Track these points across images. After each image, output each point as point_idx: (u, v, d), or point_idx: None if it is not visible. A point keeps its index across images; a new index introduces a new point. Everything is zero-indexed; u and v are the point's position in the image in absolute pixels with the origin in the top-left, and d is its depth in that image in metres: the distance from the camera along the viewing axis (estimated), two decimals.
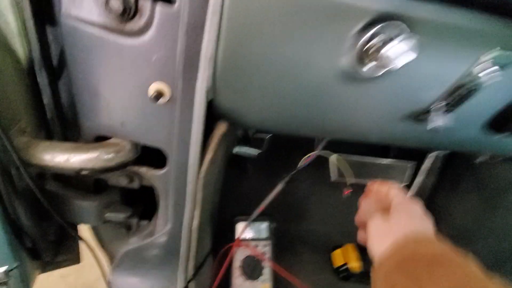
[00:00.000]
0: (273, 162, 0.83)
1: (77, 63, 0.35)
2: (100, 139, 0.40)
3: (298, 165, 0.52)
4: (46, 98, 0.38)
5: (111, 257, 0.54)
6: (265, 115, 0.37)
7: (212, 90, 0.34)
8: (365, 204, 0.42)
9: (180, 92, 0.34)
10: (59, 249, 0.54)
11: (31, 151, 0.34)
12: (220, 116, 0.39)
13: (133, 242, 0.52)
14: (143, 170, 0.43)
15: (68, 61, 0.36)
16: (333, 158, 0.74)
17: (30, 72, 0.37)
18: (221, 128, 0.38)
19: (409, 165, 0.78)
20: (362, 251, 0.72)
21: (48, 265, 0.53)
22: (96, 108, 0.37)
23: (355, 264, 0.70)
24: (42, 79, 0.37)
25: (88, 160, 0.36)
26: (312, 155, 0.54)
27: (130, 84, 0.35)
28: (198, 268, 0.54)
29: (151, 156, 0.42)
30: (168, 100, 0.35)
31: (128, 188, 0.46)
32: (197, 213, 0.45)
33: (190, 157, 0.38)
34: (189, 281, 0.52)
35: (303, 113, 0.37)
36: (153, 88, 0.34)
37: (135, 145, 0.40)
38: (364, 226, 0.38)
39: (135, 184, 0.45)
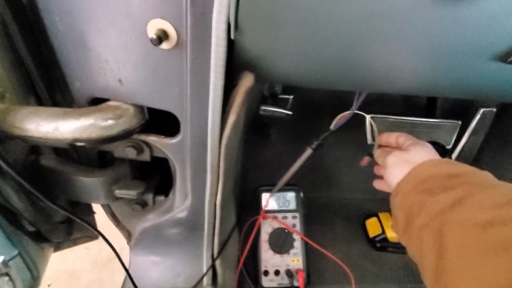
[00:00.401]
0: (297, 126, 0.74)
1: (52, 2, 0.27)
2: (98, 102, 0.32)
3: (331, 126, 0.43)
4: (23, 54, 0.30)
5: (128, 234, 0.49)
6: (305, 60, 0.28)
7: (234, 26, 0.24)
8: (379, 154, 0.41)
9: (190, 31, 0.25)
10: (72, 227, 0.50)
11: (9, 120, 0.27)
12: (242, 67, 0.30)
13: (151, 219, 0.47)
14: (153, 139, 0.35)
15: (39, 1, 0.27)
16: (370, 118, 0.65)
17: (4, 25, 0.29)
18: (247, 81, 0.29)
19: (456, 125, 0.68)
20: None
21: (61, 245, 0.50)
22: (84, 63, 0.29)
23: (393, 234, 0.63)
24: (13, 29, 0.29)
25: (82, 128, 0.29)
26: (347, 114, 0.45)
27: (124, 26, 0.26)
28: (223, 245, 0.49)
29: (163, 122, 0.35)
30: (175, 44, 0.26)
31: (139, 161, 0.40)
32: (220, 186, 0.38)
33: (210, 120, 0.30)
34: (215, 259, 0.48)
35: (356, 54, 0.27)
36: (152, 28, 0.25)
37: (140, 108, 0.33)
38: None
39: (146, 156, 0.38)
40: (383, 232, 0.64)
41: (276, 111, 0.35)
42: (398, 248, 0.64)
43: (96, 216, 0.53)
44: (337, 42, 0.27)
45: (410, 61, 0.30)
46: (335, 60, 0.29)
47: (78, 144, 0.29)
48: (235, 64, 0.29)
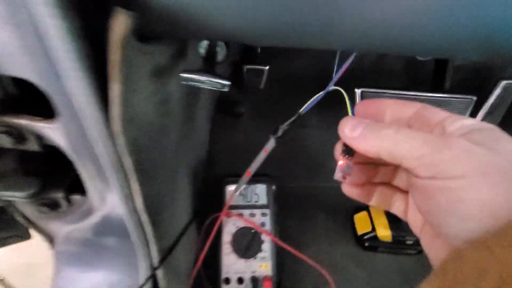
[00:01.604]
0: (274, 103, 0.62)
1: None
2: None
3: (302, 108, 0.32)
4: None
5: (50, 238, 0.40)
6: None
7: None
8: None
9: None
10: None
11: None
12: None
13: (71, 222, 0.37)
14: (25, 122, 0.25)
15: None
16: (360, 93, 0.53)
17: None
18: (119, 25, 0.17)
19: (470, 101, 0.55)
20: (391, 216, 0.55)
21: None
22: None
23: (385, 232, 0.53)
24: None
25: None
26: (322, 94, 0.32)
27: None
28: (167, 252, 0.39)
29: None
30: None
31: (37, 152, 0.29)
32: (136, 188, 0.28)
33: (77, 93, 0.19)
34: (155, 268, 0.38)
35: None
36: None
37: None
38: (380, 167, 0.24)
39: (32, 145, 0.27)
40: (373, 229, 0.54)
41: (201, 81, 0.24)
42: (390, 248, 0.54)
43: None
44: None
45: None
46: None
47: None
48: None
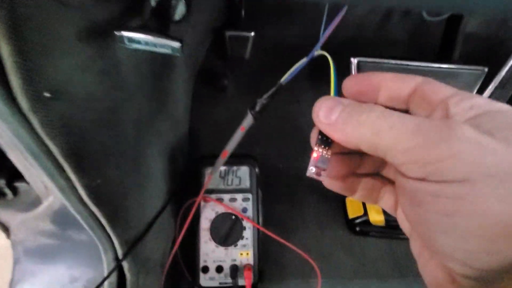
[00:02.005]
0: (261, 75, 0.56)
1: None
2: None
3: (282, 79, 0.26)
4: None
5: (3, 227, 0.36)
6: None
7: None
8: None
9: None
10: None
11: None
12: None
13: (23, 210, 0.33)
14: None
15: None
16: (356, 64, 0.47)
17: None
18: None
19: (481, 72, 0.49)
20: None
21: None
22: None
23: (377, 217, 0.50)
24: None
25: None
26: (303, 61, 0.26)
27: None
28: (134, 242, 0.36)
29: None
30: None
31: None
32: (74, 178, 0.23)
33: None
34: (121, 260, 0.35)
35: None
36: None
37: None
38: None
39: None
40: (365, 213, 0.50)
41: (146, 42, 0.18)
42: (382, 233, 0.51)
43: None
44: None
45: None
46: None
47: None
48: None
